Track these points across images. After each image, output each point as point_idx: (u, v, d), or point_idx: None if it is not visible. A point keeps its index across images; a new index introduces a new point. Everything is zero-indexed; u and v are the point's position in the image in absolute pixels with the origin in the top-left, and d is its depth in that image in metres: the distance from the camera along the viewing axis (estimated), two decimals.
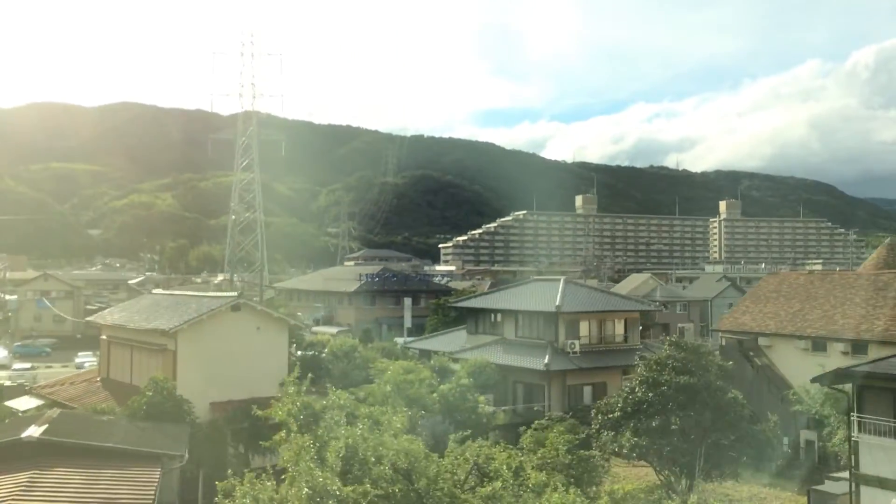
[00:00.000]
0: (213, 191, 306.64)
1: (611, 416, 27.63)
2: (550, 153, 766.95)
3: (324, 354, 47.22)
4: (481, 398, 36.86)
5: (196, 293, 38.36)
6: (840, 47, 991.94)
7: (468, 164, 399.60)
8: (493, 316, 47.64)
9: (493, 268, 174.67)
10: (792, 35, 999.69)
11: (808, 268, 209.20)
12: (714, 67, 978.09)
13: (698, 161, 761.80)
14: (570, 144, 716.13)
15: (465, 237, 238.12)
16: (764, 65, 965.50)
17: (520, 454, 20.05)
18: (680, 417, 25.88)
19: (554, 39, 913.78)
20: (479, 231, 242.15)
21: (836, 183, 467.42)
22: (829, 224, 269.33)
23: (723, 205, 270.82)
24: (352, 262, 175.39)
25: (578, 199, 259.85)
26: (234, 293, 34.60)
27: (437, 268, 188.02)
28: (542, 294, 45.74)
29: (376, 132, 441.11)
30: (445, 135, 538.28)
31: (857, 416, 20.04)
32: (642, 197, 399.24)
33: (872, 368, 19.91)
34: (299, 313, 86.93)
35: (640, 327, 50.65)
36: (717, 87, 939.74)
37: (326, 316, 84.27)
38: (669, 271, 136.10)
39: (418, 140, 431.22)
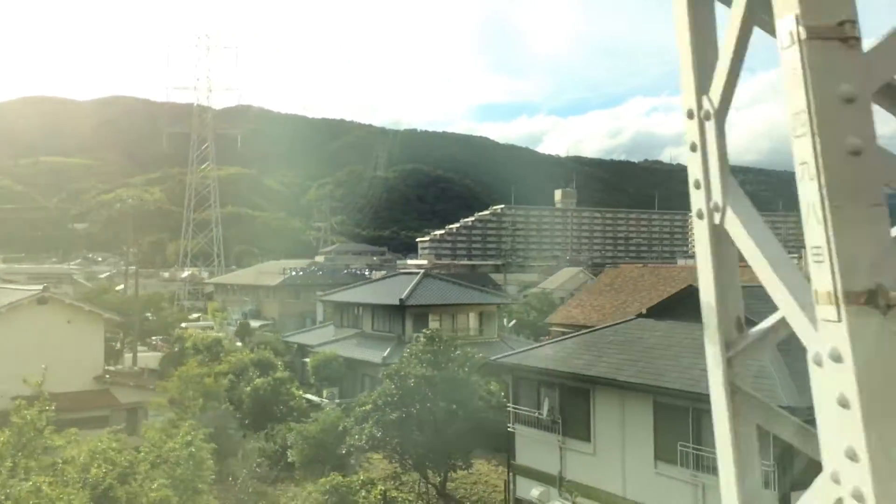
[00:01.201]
0: (200, 184, 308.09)
1: (364, 408, 28.08)
2: (547, 147, 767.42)
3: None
4: (296, 390, 37.39)
5: (17, 287, 38.91)
6: None
7: (461, 158, 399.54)
8: (355, 309, 48.16)
9: (457, 262, 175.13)
10: None
11: None
12: None
13: None
14: (567, 139, 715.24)
15: (441, 231, 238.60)
16: (762, 58, 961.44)
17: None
18: (418, 409, 26.31)
19: (552, 33, 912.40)
20: (457, 225, 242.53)
21: None
22: None
23: None
24: (321, 257, 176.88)
25: (557, 194, 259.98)
26: (40, 287, 35.16)
27: (409, 262, 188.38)
28: (398, 288, 46.17)
29: (370, 126, 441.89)
30: (444, 129, 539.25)
31: (512, 407, 20.42)
32: (635, 191, 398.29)
33: (505, 359, 20.29)
34: (228, 307, 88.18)
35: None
36: None
37: (254, 310, 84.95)
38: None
39: (411, 134, 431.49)
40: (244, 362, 38.09)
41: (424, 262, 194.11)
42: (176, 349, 48.30)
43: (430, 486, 27.81)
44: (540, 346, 21.01)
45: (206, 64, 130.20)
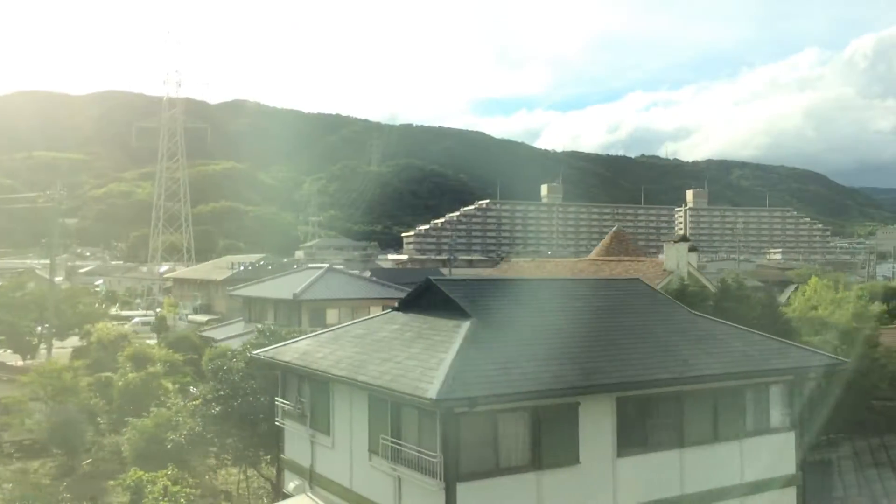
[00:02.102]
0: (192, 178, 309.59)
1: (194, 402, 28.19)
2: (546, 142, 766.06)
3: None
4: (168, 384, 37.46)
5: None
6: (839, 36, 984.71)
7: (456, 153, 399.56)
8: (260, 304, 48.29)
9: (436, 257, 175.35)
10: (791, 23, 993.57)
11: (768, 256, 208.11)
12: (712, 56, 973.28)
13: (694, 150, 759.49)
14: (565, 133, 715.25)
15: (426, 226, 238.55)
16: (762, 53, 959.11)
17: None
18: (239, 403, 26.36)
19: (553, 28, 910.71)
20: (442, 220, 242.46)
21: (830, 172, 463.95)
22: (795, 213, 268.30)
23: (689, 193, 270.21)
24: (301, 252, 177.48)
25: (543, 188, 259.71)
26: None
27: (390, 256, 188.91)
28: (299, 282, 46.27)
29: (366, 121, 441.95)
30: (443, 124, 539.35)
31: (280, 401, 20.48)
32: (631, 186, 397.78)
33: (265, 353, 20.36)
34: (180, 302, 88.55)
35: None
36: (715, 76, 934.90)
37: (204, 304, 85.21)
38: None
39: (407, 129, 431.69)
40: (124, 357, 38.25)
41: (404, 256, 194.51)
42: (84, 343, 48.58)
43: (255, 478, 27.94)
44: (298, 339, 21.06)
45: (176, 57, 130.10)
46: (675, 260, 33.39)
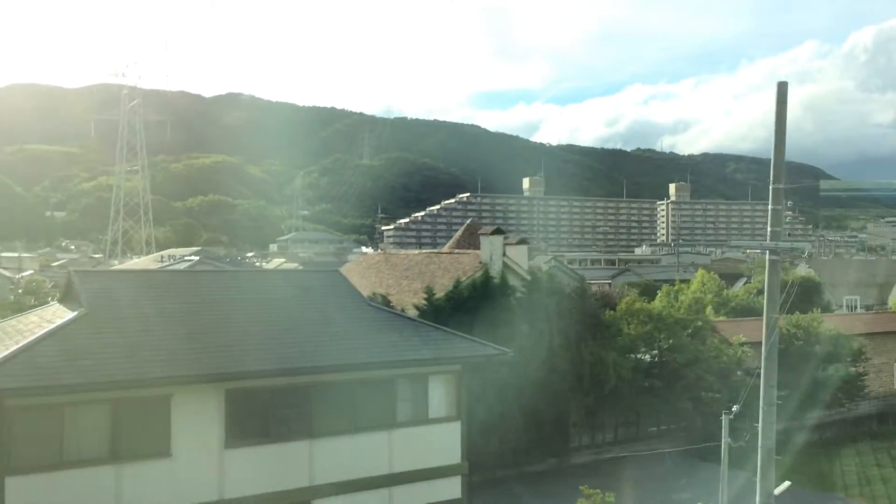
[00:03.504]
0: (184, 173, 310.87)
1: None
2: (544, 136, 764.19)
3: None
4: None
5: None
6: (838, 29, 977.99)
7: (449, 146, 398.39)
8: None
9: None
10: (790, 16, 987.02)
11: (746, 250, 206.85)
12: (712, 49, 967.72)
13: (692, 143, 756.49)
14: (564, 127, 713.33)
15: (406, 220, 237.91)
16: (762, 46, 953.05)
17: None
18: None
19: (552, 21, 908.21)
20: (422, 213, 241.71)
21: (828, 165, 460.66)
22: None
23: (672, 187, 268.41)
24: (275, 245, 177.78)
25: (525, 182, 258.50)
26: None
27: (364, 249, 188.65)
28: None
29: (360, 114, 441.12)
30: (441, 118, 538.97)
31: None
32: (626, 180, 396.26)
33: None
34: None
35: None
36: (715, 69, 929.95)
37: None
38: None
39: (401, 122, 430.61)
40: None
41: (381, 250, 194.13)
42: None
43: None
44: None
45: (135, 50, 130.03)
46: (488, 252, 33.06)
